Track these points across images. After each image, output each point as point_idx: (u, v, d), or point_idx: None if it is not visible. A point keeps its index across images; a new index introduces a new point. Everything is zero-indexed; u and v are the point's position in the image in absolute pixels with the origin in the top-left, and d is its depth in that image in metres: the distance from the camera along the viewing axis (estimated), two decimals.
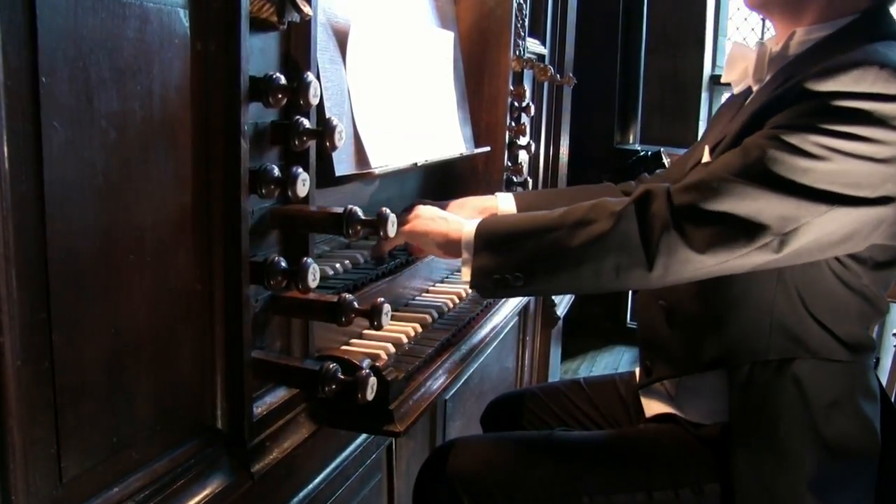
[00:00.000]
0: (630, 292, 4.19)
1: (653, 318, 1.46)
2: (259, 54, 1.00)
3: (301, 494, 1.23)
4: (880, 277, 1.29)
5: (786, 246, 1.13)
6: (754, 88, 1.36)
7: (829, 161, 1.10)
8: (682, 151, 2.29)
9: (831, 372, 1.29)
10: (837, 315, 1.28)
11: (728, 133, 1.28)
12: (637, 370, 1.59)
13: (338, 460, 1.34)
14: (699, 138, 1.57)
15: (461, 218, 1.37)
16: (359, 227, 1.06)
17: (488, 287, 1.26)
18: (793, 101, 1.14)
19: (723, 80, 1.46)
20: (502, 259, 1.23)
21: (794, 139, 1.11)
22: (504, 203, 1.69)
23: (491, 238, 1.25)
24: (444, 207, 1.59)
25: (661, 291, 1.43)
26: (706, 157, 1.34)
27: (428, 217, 1.39)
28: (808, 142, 1.10)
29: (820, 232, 1.13)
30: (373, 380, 1.07)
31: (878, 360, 1.49)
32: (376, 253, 1.47)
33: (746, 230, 1.12)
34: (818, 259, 1.22)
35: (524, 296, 1.64)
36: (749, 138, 1.17)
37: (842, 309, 1.28)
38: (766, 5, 1.35)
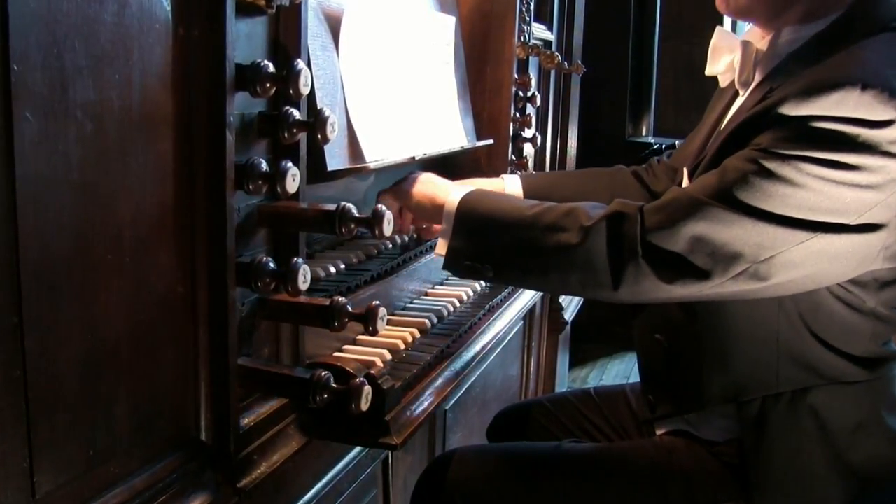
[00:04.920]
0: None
1: (651, 350, 1.46)
2: (245, 40, 1.00)
3: None
4: (891, 296, 1.28)
5: (770, 276, 1.14)
6: (741, 92, 1.36)
7: (807, 188, 1.11)
8: None
9: (850, 395, 1.29)
10: (848, 337, 1.28)
11: (708, 153, 1.28)
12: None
13: (330, 475, 1.33)
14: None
15: (451, 184, 1.43)
16: (352, 226, 1.06)
17: (460, 271, 1.34)
18: (772, 122, 1.15)
19: (707, 73, 1.44)
20: (476, 248, 1.30)
21: (773, 164, 1.12)
22: (511, 185, 1.70)
23: (469, 222, 1.31)
24: None
25: (656, 323, 1.43)
26: (685, 181, 1.34)
27: (420, 181, 1.45)
28: (787, 167, 1.11)
29: (804, 261, 1.14)
30: (367, 389, 1.07)
31: None
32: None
33: (719, 259, 1.14)
34: (814, 289, 1.22)
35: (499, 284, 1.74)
36: (729, 159, 1.18)
37: (852, 331, 1.28)
38: (749, 11, 1.35)
